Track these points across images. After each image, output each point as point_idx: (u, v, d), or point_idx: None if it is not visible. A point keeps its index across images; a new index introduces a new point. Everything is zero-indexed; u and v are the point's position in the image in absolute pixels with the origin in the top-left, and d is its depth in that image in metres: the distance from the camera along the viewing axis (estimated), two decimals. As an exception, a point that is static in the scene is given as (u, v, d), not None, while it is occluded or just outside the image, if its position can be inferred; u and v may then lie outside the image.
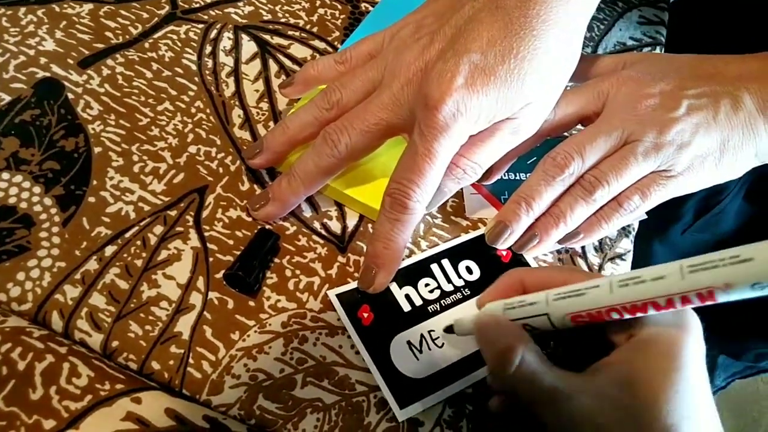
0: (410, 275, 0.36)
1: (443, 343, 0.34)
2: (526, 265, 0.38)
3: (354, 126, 0.35)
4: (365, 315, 0.34)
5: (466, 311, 0.35)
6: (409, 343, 0.34)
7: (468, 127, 0.33)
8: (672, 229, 0.62)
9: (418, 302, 0.35)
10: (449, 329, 0.33)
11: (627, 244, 0.41)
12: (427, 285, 0.36)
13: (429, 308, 0.35)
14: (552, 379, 0.26)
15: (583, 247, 0.40)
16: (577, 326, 0.27)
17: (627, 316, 0.25)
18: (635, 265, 0.44)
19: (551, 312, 0.27)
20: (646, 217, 0.40)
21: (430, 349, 0.34)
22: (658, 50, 0.54)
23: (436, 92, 0.32)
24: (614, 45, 0.53)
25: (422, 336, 0.34)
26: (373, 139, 0.36)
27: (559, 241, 0.38)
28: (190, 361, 0.31)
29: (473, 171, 0.35)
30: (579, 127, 0.40)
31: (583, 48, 0.38)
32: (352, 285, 0.35)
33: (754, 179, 0.42)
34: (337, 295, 0.35)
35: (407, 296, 0.35)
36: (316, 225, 0.37)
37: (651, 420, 0.24)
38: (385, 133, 0.36)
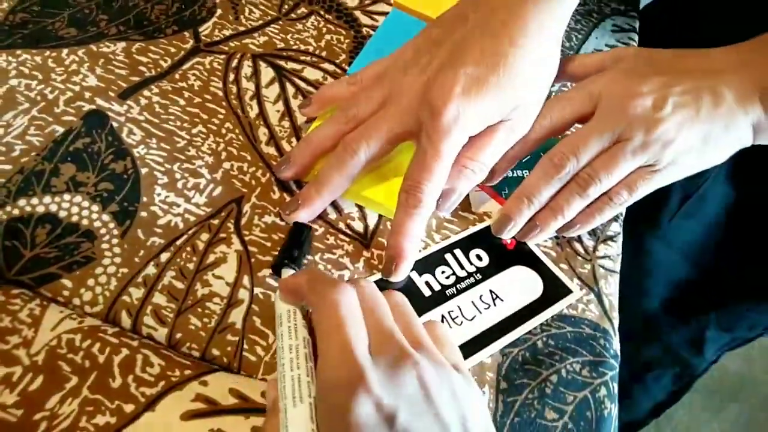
0: (428, 264, 0.41)
1: (462, 321, 0.39)
2: (529, 251, 0.43)
3: (370, 135, 0.40)
4: (391, 301, 0.39)
5: (482, 291, 0.40)
6: (432, 322, 0.38)
7: (468, 129, 0.38)
8: (660, 217, 0.66)
9: (437, 287, 0.40)
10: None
11: (616, 227, 0.46)
12: (443, 272, 0.41)
13: (447, 292, 0.40)
14: None
15: (578, 232, 0.45)
16: None
17: None
18: (632, 261, 0.49)
19: None
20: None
21: (450, 327, 0.38)
22: (631, 54, 0.59)
23: (438, 101, 0.37)
24: (592, 52, 0.58)
25: (443, 316, 0.39)
26: (387, 145, 0.41)
27: (558, 231, 0.43)
28: (245, 346, 0.35)
29: (480, 169, 0.40)
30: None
31: (565, 55, 0.43)
32: (378, 275, 0.40)
33: (734, 163, 0.45)
34: (366, 285, 0.39)
35: (427, 283, 0.40)
36: (341, 225, 0.42)
37: None
38: (396, 139, 0.41)
